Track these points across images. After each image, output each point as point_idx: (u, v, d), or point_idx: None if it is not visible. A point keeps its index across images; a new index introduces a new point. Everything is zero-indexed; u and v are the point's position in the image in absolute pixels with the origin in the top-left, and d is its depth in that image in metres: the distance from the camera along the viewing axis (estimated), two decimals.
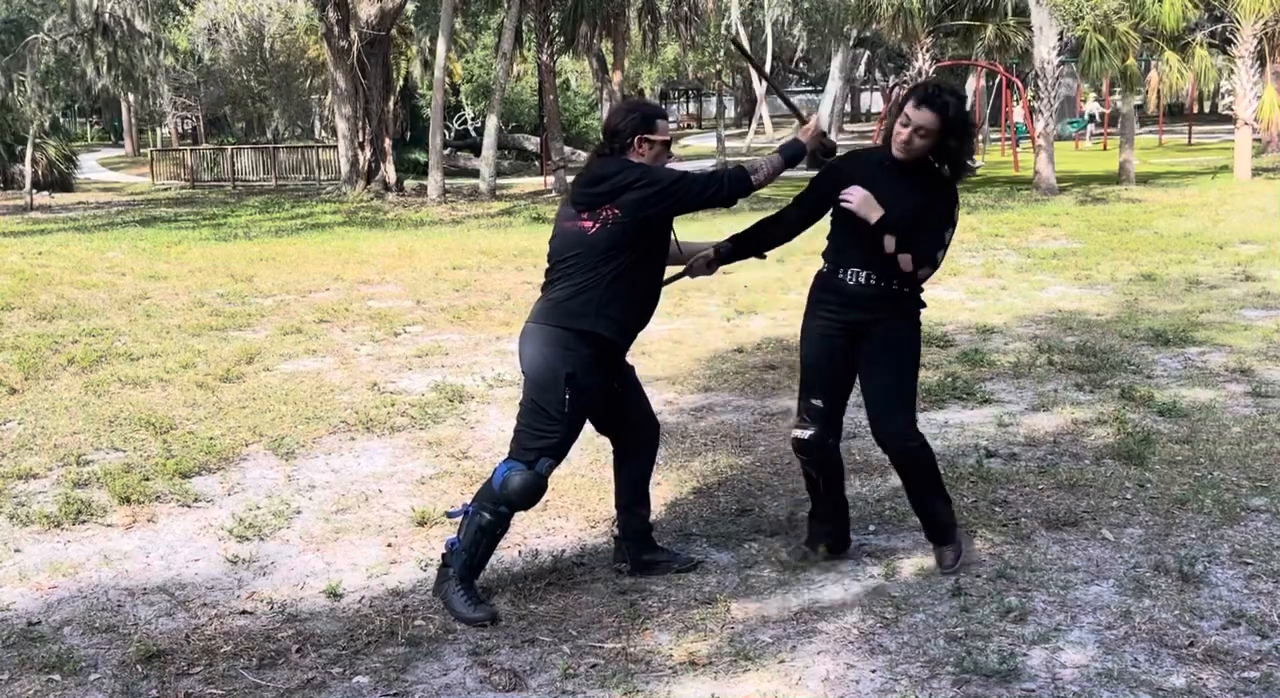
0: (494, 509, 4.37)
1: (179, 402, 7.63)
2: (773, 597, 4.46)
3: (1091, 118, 40.66)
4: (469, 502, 4.48)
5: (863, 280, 4.47)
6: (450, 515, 4.61)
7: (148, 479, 6.02)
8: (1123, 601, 4.31)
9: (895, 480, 5.71)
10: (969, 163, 4.58)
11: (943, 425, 6.69)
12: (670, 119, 4.50)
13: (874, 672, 3.85)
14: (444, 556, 4.46)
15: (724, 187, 4.40)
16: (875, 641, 4.07)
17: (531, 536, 5.19)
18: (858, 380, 4.64)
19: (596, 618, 4.32)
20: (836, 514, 4.83)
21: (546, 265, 4.51)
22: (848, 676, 3.83)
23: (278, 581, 4.78)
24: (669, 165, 4.51)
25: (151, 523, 5.47)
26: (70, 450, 6.57)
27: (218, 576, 4.85)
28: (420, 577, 4.74)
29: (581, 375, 4.34)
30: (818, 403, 4.61)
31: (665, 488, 5.71)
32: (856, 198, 4.38)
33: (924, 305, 4.63)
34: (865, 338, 4.52)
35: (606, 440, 6.53)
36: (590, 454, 6.32)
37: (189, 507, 5.69)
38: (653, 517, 5.31)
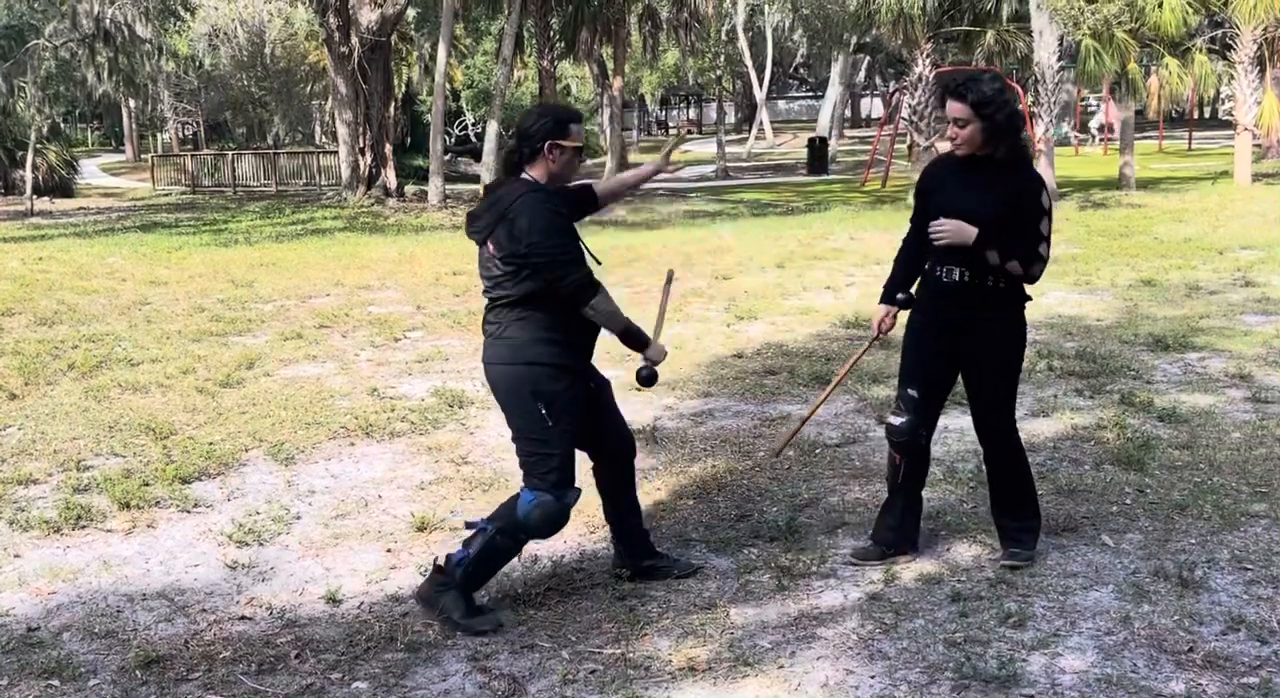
0: (513, 536, 4.37)
1: (179, 407, 7.63)
2: (772, 602, 4.46)
3: (1093, 126, 40.72)
4: (486, 519, 4.43)
5: (955, 277, 4.54)
6: (469, 525, 4.52)
7: (147, 485, 6.02)
8: (1122, 606, 4.31)
9: None
10: (1023, 141, 4.58)
11: (943, 431, 6.68)
12: (581, 123, 4.41)
13: (873, 678, 3.85)
14: (439, 567, 4.42)
15: (576, 292, 4.30)
16: (875, 646, 4.07)
17: (530, 542, 5.18)
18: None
19: (596, 624, 4.32)
20: (907, 511, 4.85)
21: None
22: (847, 681, 3.83)
23: (277, 586, 4.78)
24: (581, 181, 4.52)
25: (151, 528, 5.47)
26: (70, 456, 6.58)
27: (217, 581, 4.85)
28: (420, 582, 4.73)
29: (547, 384, 4.31)
30: (912, 393, 4.73)
31: (665, 493, 5.71)
32: (949, 230, 4.45)
33: (1028, 299, 4.66)
34: (966, 337, 4.60)
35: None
36: (589, 461, 6.31)
37: (189, 512, 5.69)
38: (653, 522, 5.31)
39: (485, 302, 4.50)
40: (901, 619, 4.27)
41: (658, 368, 4.54)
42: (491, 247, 4.32)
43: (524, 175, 4.36)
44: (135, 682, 3.95)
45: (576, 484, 4.42)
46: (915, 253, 4.78)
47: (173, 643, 4.24)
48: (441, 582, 4.40)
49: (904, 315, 4.87)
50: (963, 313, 4.58)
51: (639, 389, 4.68)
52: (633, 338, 4.46)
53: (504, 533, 4.35)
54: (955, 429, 6.70)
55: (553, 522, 4.36)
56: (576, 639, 4.19)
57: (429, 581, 4.45)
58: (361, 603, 4.58)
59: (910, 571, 4.70)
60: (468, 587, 4.38)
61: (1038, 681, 3.78)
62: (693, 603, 4.47)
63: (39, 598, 4.70)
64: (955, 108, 4.45)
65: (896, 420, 4.76)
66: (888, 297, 4.88)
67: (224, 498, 5.90)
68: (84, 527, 5.48)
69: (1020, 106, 24.80)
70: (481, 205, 4.46)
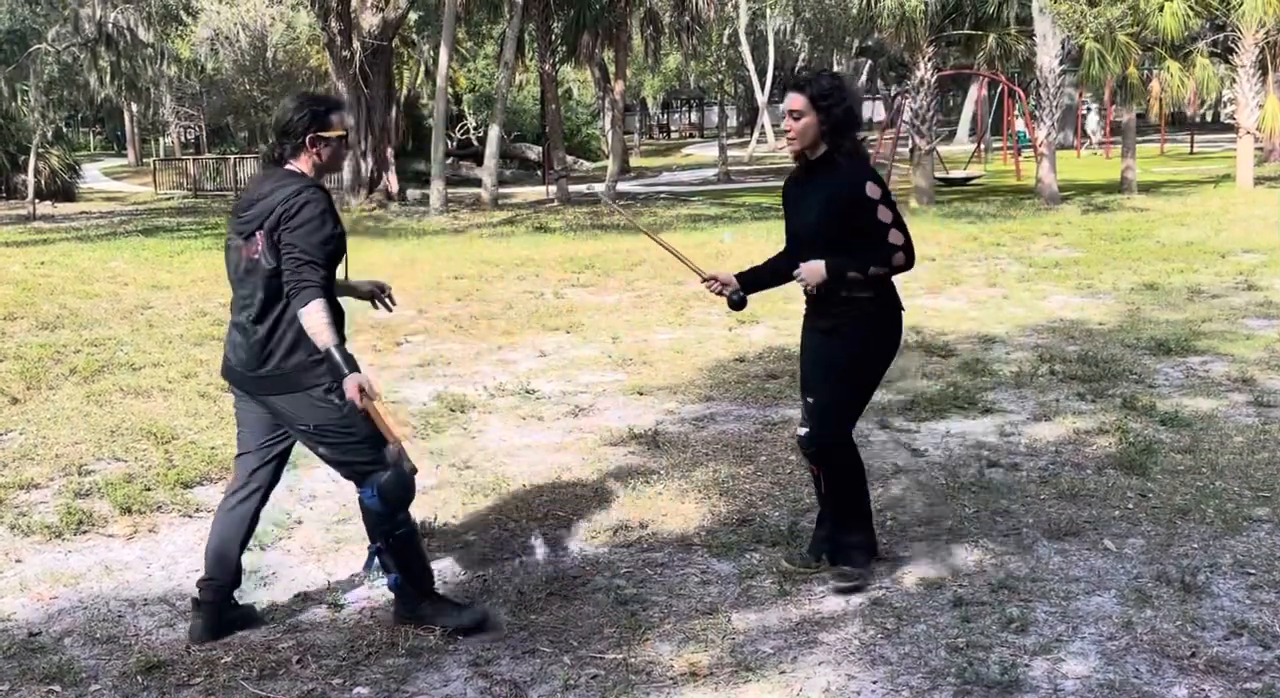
0: (393, 524, 4.26)
1: (181, 411, 7.63)
2: (774, 607, 4.45)
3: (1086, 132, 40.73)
4: (371, 545, 4.31)
5: (813, 290, 4.51)
6: (370, 568, 4.40)
7: (149, 489, 6.02)
8: (1125, 611, 4.31)
9: (895, 490, 5.73)
10: (855, 139, 4.51)
11: (944, 435, 6.69)
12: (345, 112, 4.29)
13: (875, 683, 3.84)
14: (395, 591, 4.35)
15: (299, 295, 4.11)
16: (876, 651, 4.06)
17: (531, 545, 5.18)
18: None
19: (597, 629, 4.31)
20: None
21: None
22: (849, 687, 3.83)
23: (278, 591, 4.78)
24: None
25: (153, 533, 5.47)
26: (72, 460, 6.58)
27: None
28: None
29: (324, 377, 4.13)
30: (809, 400, 4.66)
31: (666, 498, 5.71)
32: (806, 278, 4.45)
33: (897, 308, 4.58)
34: (825, 342, 4.57)
35: (608, 450, 6.56)
36: (592, 464, 6.32)
37: (190, 517, 5.69)
38: (655, 526, 5.31)
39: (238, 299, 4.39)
40: (903, 624, 4.26)
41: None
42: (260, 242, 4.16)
43: (289, 168, 4.20)
44: (136, 687, 3.95)
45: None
46: (780, 260, 4.77)
47: (174, 648, 4.24)
48: (406, 602, 4.34)
49: (799, 333, 4.82)
50: (822, 320, 4.58)
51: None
52: (331, 363, 4.06)
53: (386, 533, 4.25)
54: (957, 433, 6.70)
55: (402, 485, 4.22)
56: (578, 644, 4.19)
57: (395, 609, 4.40)
58: (363, 608, 4.57)
59: (912, 575, 4.70)
60: (428, 588, 4.35)
61: (1040, 686, 3.77)
62: (694, 608, 4.47)
63: (40, 603, 4.70)
64: (793, 100, 4.43)
65: (801, 431, 4.69)
66: (741, 275, 4.80)
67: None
68: (85, 531, 5.48)
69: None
70: (245, 200, 4.30)
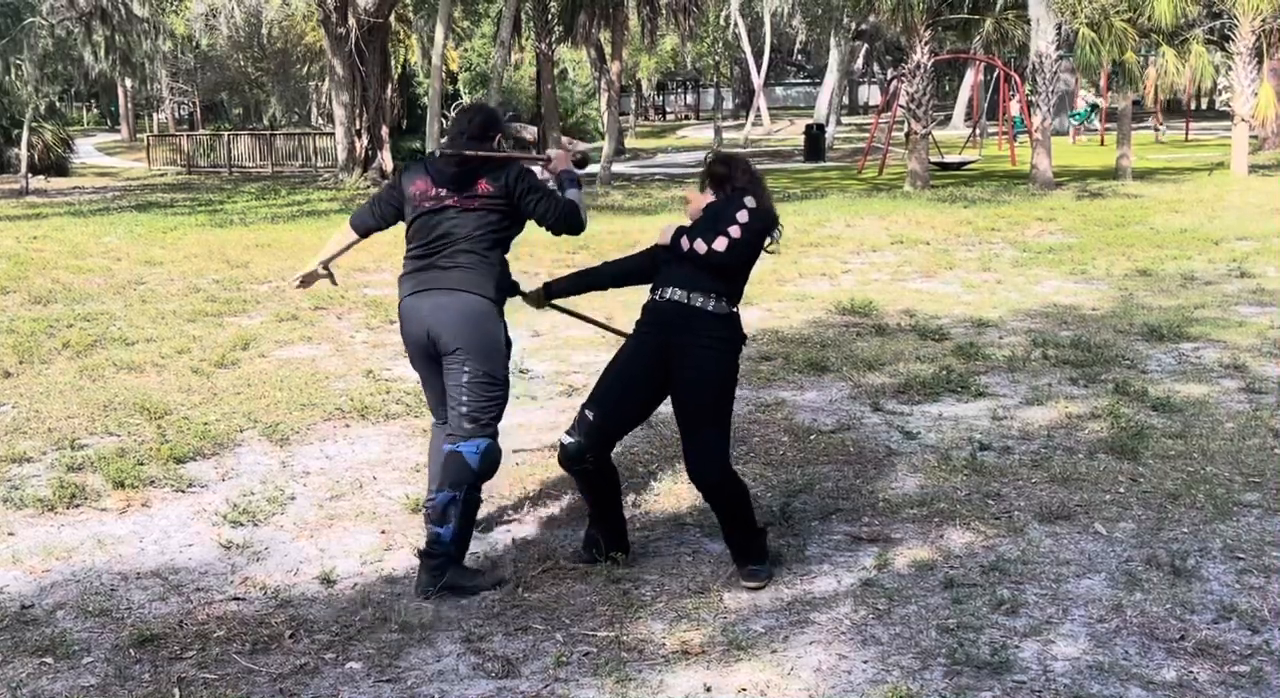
0: (477, 488, 4.54)
1: (174, 387, 7.62)
2: (766, 587, 4.46)
3: (1095, 107, 40.61)
4: (446, 488, 4.45)
5: (669, 296, 4.53)
6: (429, 505, 4.55)
7: (142, 464, 6.02)
8: (1114, 594, 4.33)
9: (889, 472, 5.74)
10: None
11: (937, 418, 6.70)
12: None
13: (866, 663, 3.86)
14: (426, 552, 4.45)
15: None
16: (867, 632, 4.08)
17: (525, 524, 5.19)
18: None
19: (589, 607, 4.33)
20: (603, 522, 4.73)
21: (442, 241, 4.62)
22: (840, 666, 3.84)
23: (271, 566, 4.79)
24: None
25: (146, 508, 5.47)
26: (64, 435, 6.57)
27: (211, 561, 4.85)
28: (414, 564, 4.73)
29: (505, 328, 4.69)
30: (588, 415, 4.54)
31: (660, 478, 5.72)
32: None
33: (742, 335, 4.56)
34: (676, 364, 4.45)
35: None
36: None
37: (183, 492, 5.69)
38: (648, 508, 5.33)
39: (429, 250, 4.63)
40: (895, 605, 4.28)
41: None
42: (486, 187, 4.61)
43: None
44: (129, 660, 3.95)
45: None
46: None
47: (167, 622, 4.24)
48: (437, 565, 4.43)
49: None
50: (677, 335, 4.44)
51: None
52: (568, 176, 4.99)
53: (473, 489, 4.51)
54: (949, 417, 6.71)
55: (498, 461, 4.60)
56: (570, 622, 4.20)
57: (425, 571, 4.46)
58: (356, 584, 4.58)
59: (904, 557, 4.71)
60: (461, 555, 4.52)
61: (1030, 667, 3.79)
62: (686, 587, 4.48)
63: (33, 576, 4.70)
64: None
65: (568, 440, 4.56)
66: (552, 285, 5.17)
67: (219, 478, 5.90)
68: (78, 506, 5.48)
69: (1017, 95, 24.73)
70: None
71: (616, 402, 4.54)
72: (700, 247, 4.42)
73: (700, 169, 4.91)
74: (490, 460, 4.53)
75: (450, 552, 4.45)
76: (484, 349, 4.53)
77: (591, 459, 4.54)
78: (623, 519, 4.80)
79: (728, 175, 4.67)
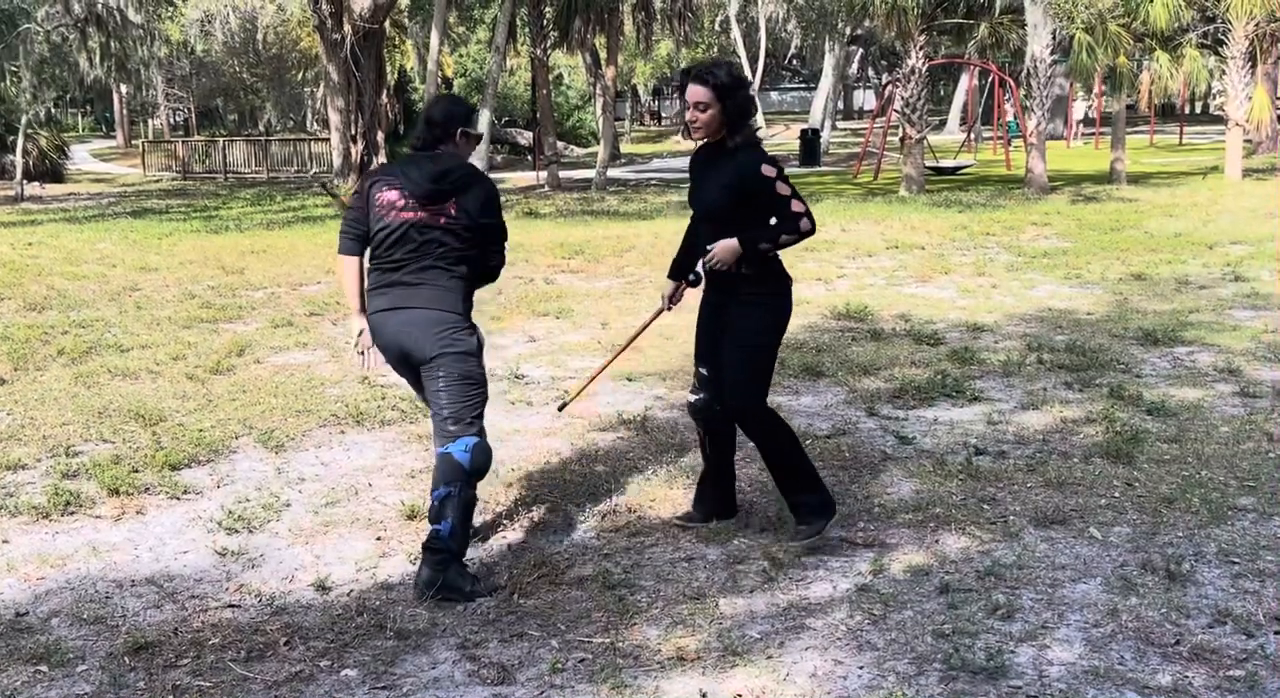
0: (471, 485, 4.60)
1: (169, 394, 7.61)
2: (761, 593, 4.47)
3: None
4: (442, 486, 4.54)
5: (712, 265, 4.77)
6: (434, 500, 4.63)
7: (137, 471, 6.01)
8: (1110, 599, 4.33)
9: (883, 477, 5.74)
10: (751, 126, 4.78)
11: (932, 422, 6.71)
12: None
13: (862, 668, 3.86)
14: (432, 548, 4.48)
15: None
16: (863, 637, 4.08)
17: (520, 530, 5.19)
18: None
19: (585, 613, 4.32)
20: (719, 478, 5.16)
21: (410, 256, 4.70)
22: (835, 672, 3.84)
23: (266, 573, 4.78)
24: None
25: (140, 515, 5.47)
26: (59, 442, 6.56)
27: (206, 568, 4.84)
28: (409, 570, 4.74)
29: (476, 333, 4.76)
30: (703, 372, 4.98)
31: (655, 483, 5.72)
32: (718, 256, 4.70)
33: (788, 281, 4.90)
34: (724, 317, 4.85)
35: (597, 436, 6.57)
36: (580, 449, 6.33)
37: (178, 499, 5.68)
38: (643, 512, 5.33)
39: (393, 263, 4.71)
40: (890, 610, 4.28)
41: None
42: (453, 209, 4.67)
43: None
44: (124, 668, 3.95)
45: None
46: (693, 236, 5.09)
47: (161, 630, 4.24)
48: (439, 560, 4.46)
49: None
50: (722, 296, 4.85)
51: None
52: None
53: (467, 485, 4.57)
54: (945, 422, 6.72)
55: (489, 456, 4.69)
56: (566, 628, 4.19)
57: (427, 565, 4.48)
58: (351, 591, 4.58)
59: (899, 562, 4.71)
60: (461, 553, 4.56)
61: (1025, 672, 3.79)
62: (682, 593, 4.48)
63: (28, 584, 4.69)
64: (696, 92, 4.65)
65: (693, 397, 5.05)
66: (674, 273, 5.19)
67: (214, 485, 5.89)
68: (73, 513, 5.47)
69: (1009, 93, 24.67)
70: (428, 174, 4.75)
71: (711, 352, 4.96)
72: (788, 241, 4.74)
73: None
74: (480, 457, 4.60)
75: (451, 548, 4.48)
76: (456, 352, 4.61)
77: (719, 408, 4.95)
78: (734, 479, 5.24)
79: None
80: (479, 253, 4.75)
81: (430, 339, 4.61)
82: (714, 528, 5.08)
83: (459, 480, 4.53)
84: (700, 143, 4.85)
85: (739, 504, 5.33)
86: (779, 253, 4.81)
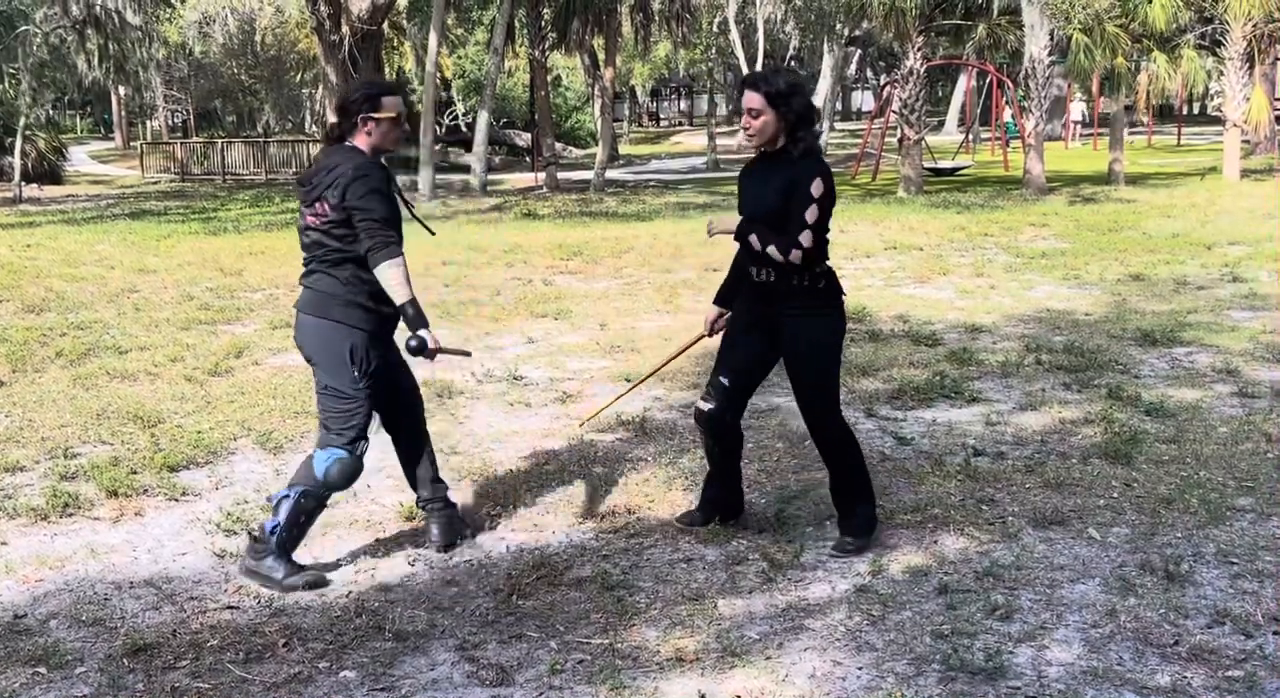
0: (317, 494, 4.62)
1: (167, 395, 7.61)
2: (760, 594, 4.47)
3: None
4: (289, 485, 4.65)
5: (763, 277, 4.70)
6: (271, 500, 4.81)
7: (135, 473, 6.01)
8: (1108, 599, 4.33)
9: (881, 478, 5.74)
10: (813, 133, 4.70)
11: (931, 423, 6.71)
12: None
13: (860, 669, 3.86)
14: (254, 537, 4.63)
15: (383, 251, 4.56)
16: (862, 638, 4.08)
17: (519, 531, 5.19)
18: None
19: (584, 614, 4.32)
20: (726, 481, 5.11)
21: (305, 256, 4.72)
22: (834, 673, 3.84)
23: None
24: None
25: (139, 517, 5.46)
26: (58, 443, 6.56)
27: (205, 570, 4.84)
28: (408, 572, 4.74)
29: (360, 349, 4.60)
30: (723, 382, 4.88)
31: (654, 484, 5.72)
32: (715, 222, 4.76)
33: (840, 294, 4.80)
34: (778, 333, 4.75)
35: (595, 437, 6.57)
36: (579, 450, 6.33)
37: (176, 500, 5.68)
38: (642, 513, 5.33)
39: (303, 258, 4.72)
40: (889, 611, 4.28)
41: (428, 342, 4.59)
42: (322, 206, 4.54)
43: (348, 144, 4.65)
44: (122, 670, 3.95)
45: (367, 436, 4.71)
46: (742, 263, 4.93)
47: (160, 631, 4.23)
48: (258, 550, 4.60)
49: None
50: (773, 309, 4.73)
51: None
52: (411, 314, 4.55)
53: (308, 495, 4.61)
54: (943, 423, 6.72)
55: (350, 475, 4.64)
56: (564, 630, 4.19)
57: (248, 551, 4.65)
58: (349, 592, 4.57)
59: (898, 563, 4.72)
60: (288, 550, 4.62)
61: (1024, 673, 3.79)
62: (681, 594, 4.48)
63: (26, 585, 4.69)
64: (750, 98, 4.59)
65: (705, 406, 4.93)
66: (720, 299, 5.09)
67: (212, 487, 5.89)
68: (71, 514, 5.47)
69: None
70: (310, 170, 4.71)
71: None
72: (775, 255, 4.62)
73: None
74: (338, 473, 4.58)
75: (269, 542, 4.58)
76: (326, 363, 4.60)
77: (730, 419, 4.92)
78: (740, 479, 5.21)
79: None
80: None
81: (309, 344, 4.63)
82: (712, 529, 5.08)
83: (303, 486, 4.59)
84: (756, 153, 4.77)
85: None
86: (829, 265, 4.72)
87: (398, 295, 4.51)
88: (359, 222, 4.48)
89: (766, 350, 4.84)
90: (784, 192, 4.57)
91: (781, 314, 4.70)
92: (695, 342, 5.42)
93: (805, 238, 4.52)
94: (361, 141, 4.63)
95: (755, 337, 4.81)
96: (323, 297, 4.60)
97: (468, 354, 5.23)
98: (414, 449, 5.10)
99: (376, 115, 4.59)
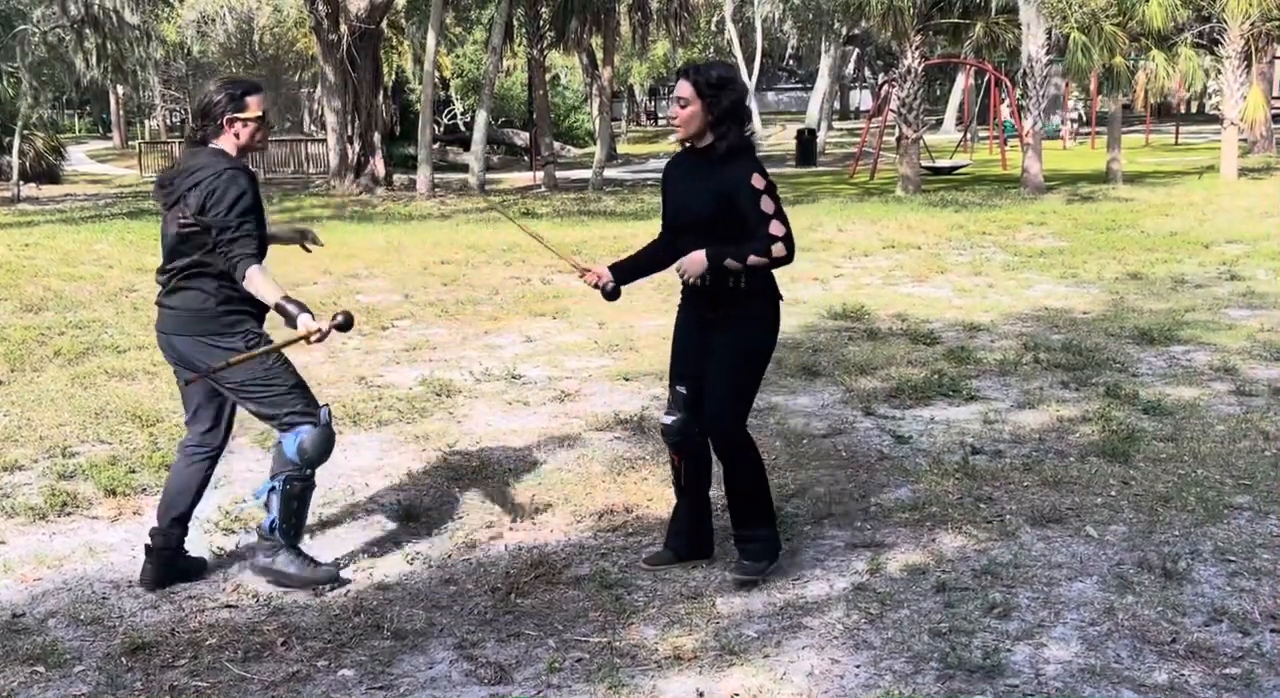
0: (300, 476, 4.52)
1: (165, 394, 7.61)
2: (758, 592, 4.47)
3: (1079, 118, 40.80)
4: (269, 478, 4.58)
5: (699, 281, 4.42)
6: (257, 496, 4.81)
7: (134, 472, 6.01)
8: (1106, 597, 4.33)
9: (881, 476, 5.75)
10: (741, 131, 4.44)
11: (929, 422, 6.71)
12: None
13: (858, 667, 3.86)
14: (261, 535, 4.64)
15: (238, 268, 4.45)
16: (860, 636, 4.08)
17: (517, 530, 5.19)
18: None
19: (582, 613, 4.33)
20: (695, 515, 4.81)
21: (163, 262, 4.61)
22: (832, 671, 3.85)
23: None
24: None
25: (137, 515, 5.46)
26: (56, 442, 6.56)
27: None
28: (407, 571, 4.75)
29: (252, 333, 4.60)
30: (681, 391, 4.64)
31: (651, 483, 5.72)
32: (687, 268, 4.38)
33: (778, 297, 4.59)
34: (712, 332, 4.53)
35: (593, 436, 6.57)
36: (577, 449, 6.33)
37: None
38: (639, 512, 5.33)
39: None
40: (887, 610, 4.28)
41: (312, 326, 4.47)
42: (183, 210, 4.39)
43: (213, 147, 4.46)
44: (121, 668, 3.95)
45: (321, 403, 4.61)
46: (658, 249, 4.75)
47: (159, 630, 4.24)
48: (268, 547, 4.59)
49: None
50: (716, 312, 4.51)
51: (340, 330, 4.64)
52: (289, 309, 4.46)
53: (291, 480, 4.52)
54: (941, 420, 6.72)
55: (323, 443, 4.51)
56: (563, 628, 4.20)
57: (259, 549, 4.66)
58: (348, 591, 4.58)
59: (896, 561, 4.72)
60: (292, 542, 4.59)
61: (1022, 671, 3.80)
62: (679, 592, 4.48)
63: (24, 584, 4.69)
64: (681, 87, 4.42)
65: (668, 419, 4.68)
66: (618, 273, 4.75)
67: (210, 486, 5.88)
68: (70, 513, 5.47)
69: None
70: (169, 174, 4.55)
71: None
72: (757, 261, 4.41)
73: None
74: (310, 445, 4.46)
75: (277, 539, 4.56)
76: (229, 370, 4.40)
77: (698, 431, 4.62)
78: (711, 515, 4.85)
79: None
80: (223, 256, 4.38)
81: (198, 364, 4.43)
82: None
83: (283, 472, 4.51)
84: (679, 150, 4.59)
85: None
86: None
87: (269, 298, 4.39)
88: (217, 236, 4.33)
89: (706, 351, 4.63)
90: (719, 199, 4.38)
91: (720, 317, 4.50)
92: (582, 275, 4.84)
93: (775, 227, 4.33)
94: (227, 143, 4.45)
95: (699, 341, 4.58)
96: (192, 315, 4.47)
97: (345, 327, 4.65)
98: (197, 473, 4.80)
99: (242, 115, 4.44)
